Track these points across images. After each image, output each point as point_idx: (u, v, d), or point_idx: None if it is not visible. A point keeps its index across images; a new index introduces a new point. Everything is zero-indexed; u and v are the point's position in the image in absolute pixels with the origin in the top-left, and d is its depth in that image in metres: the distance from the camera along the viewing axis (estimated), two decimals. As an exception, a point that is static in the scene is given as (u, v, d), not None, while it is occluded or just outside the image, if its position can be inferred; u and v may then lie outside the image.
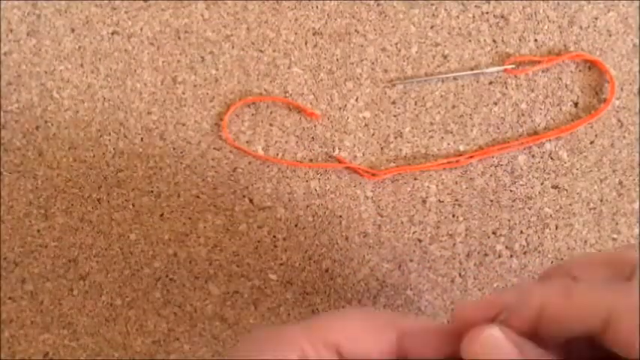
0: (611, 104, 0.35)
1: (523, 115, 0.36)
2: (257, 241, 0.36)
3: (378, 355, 0.24)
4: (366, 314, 0.25)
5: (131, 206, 0.36)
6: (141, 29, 0.38)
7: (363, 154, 0.36)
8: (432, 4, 0.37)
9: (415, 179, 0.36)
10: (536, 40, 0.36)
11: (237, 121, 0.37)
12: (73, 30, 0.38)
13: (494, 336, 0.21)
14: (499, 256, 0.35)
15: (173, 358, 0.36)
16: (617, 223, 0.35)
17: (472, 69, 0.36)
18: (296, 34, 0.37)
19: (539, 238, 0.35)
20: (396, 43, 0.37)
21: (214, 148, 0.37)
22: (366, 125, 0.36)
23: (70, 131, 0.37)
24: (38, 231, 0.37)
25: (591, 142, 0.36)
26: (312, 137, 0.36)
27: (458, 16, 0.36)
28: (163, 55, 0.37)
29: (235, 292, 0.36)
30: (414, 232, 0.35)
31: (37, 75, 0.38)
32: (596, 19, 0.36)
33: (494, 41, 0.36)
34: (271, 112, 0.37)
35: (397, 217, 0.36)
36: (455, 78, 0.36)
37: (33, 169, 0.37)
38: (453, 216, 0.35)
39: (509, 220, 0.35)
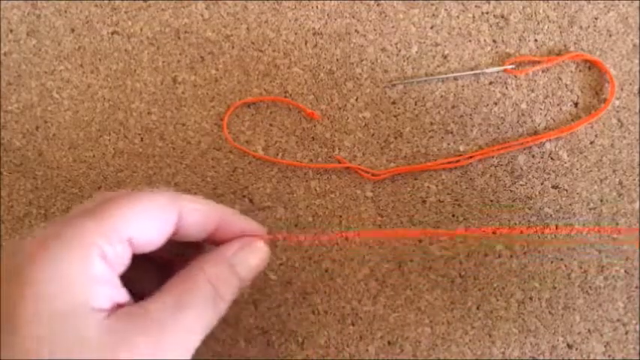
0: (611, 104, 0.35)
1: (523, 115, 0.36)
2: (257, 241, 0.36)
3: (161, 242, 0.25)
4: (149, 197, 0.24)
5: (131, 206, 0.36)
6: (141, 29, 0.38)
7: (363, 154, 0.36)
8: (432, 4, 0.37)
9: (415, 179, 0.36)
10: (536, 40, 0.36)
11: (237, 121, 0.37)
12: (73, 30, 0.38)
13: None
14: (499, 256, 0.35)
15: (173, 358, 0.36)
16: (617, 223, 0.35)
17: (472, 69, 0.36)
18: (296, 34, 0.37)
19: (539, 238, 0.35)
20: (396, 43, 0.37)
21: (214, 148, 0.37)
22: (366, 125, 0.36)
23: (70, 131, 0.37)
24: (38, 231, 0.37)
25: (591, 142, 0.35)
26: (312, 137, 0.36)
27: (458, 16, 0.36)
28: (163, 55, 0.37)
29: (235, 292, 0.36)
30: (414, 232, 0.35)
31: (37, 75, 0.38)
32: (596, 19, 0.36)
33: (494, 41, 0.36)
34: (271, 112, 0.37)
35: (397, 217, 0.36)
36: (455, 78, 0.36)
37: (33, 169, 0.37)
38: (453, 216, 0.35)
39: (509, 220, 0.35)
